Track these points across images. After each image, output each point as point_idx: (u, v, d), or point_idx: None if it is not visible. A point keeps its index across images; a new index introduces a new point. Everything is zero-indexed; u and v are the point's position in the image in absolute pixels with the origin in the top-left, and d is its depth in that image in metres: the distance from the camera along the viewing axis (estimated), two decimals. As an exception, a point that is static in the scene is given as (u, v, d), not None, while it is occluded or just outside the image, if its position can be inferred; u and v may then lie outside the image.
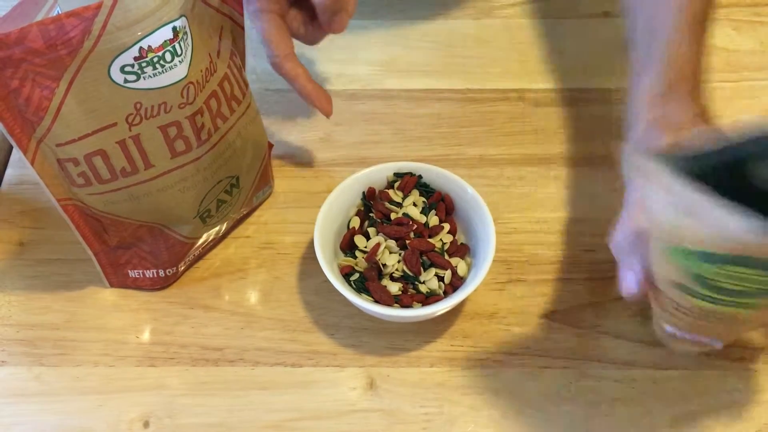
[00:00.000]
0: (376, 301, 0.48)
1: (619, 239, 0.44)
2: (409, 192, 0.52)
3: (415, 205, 0.52)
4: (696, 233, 0.35)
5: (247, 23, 0.51)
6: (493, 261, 0.48)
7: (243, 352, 0.50)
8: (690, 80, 0.45)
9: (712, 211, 0.33)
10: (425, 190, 0.53)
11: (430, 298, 0.49)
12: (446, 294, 0.49)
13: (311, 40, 0.54)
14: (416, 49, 0.67)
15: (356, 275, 0.50)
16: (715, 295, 0.38)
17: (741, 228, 0.32)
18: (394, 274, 0.49)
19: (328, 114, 0.55)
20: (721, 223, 0.33)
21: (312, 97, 0.53)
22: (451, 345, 0.50)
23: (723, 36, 0.66)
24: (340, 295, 0.47)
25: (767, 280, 0.36)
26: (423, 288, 0.49)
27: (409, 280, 0.49)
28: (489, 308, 0.52)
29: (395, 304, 0.48)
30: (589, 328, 0.51)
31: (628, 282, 0.42)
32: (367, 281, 0.49)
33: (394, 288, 0.49)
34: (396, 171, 0.53)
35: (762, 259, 0.34)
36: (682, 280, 0.39)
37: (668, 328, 0.45)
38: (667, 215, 0.36)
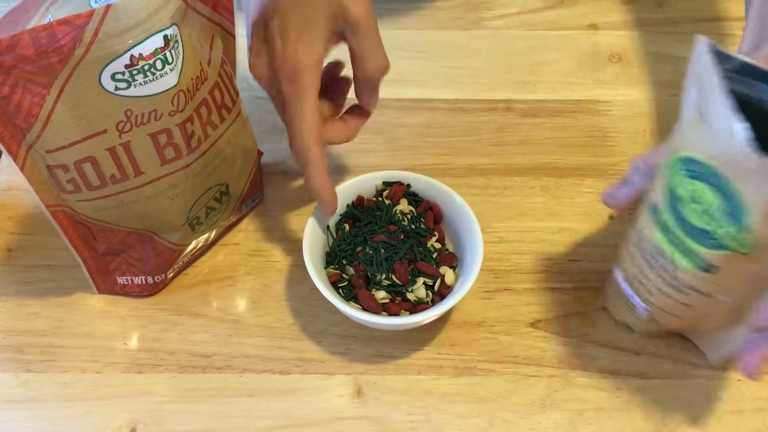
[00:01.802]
0: (365, 309, 0.48)
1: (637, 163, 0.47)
2: (398, 201, 0.53)
3: (403, 213, 0.52)
4: (700, 136, 0.38)
5: (238, 32, 0.51)
6: (481, 270, 0.48)
7: (231, 359, 0.50)
8: None
9: (722, 112, 0.36)
10: (414, 199, 0.53)
11: (417, 306, 0.49)
12: (434, 302, 0.49)
13: (345, 138, 0.52)
14: (407, 59, 0.67)
15: (345, 282, 0.50)
16: (678, 231, 0.41)
17: (738, 136, 0.35)
18: (382, 282, 0.49)
19: (329, 210, 0.51)
20: (725, 125, 0.36)
21: (322, 191, 0.50)
22: (439, 353, 0.51)
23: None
24: (328, 302, 0.48)
25: (727, 228, 0.39)
26: (411, 296, 0.49)
27: (397, 289, 0.49)
28: (476, 317, 0.52)
29: (383, 312, 0.48)
30: (575, 337, 0.51)
31: (620, 192, 0.46)
32: (356, 289, 0.49)
33: (381, 294, 0.49)
34: (385, 180, 0.54)
35: (733, 188, 0.37)
36: (660, 201, 0.42)
37: (638, 302, 0.47)
38: (689, 112, 0.39)
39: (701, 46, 0.39)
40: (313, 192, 0.50)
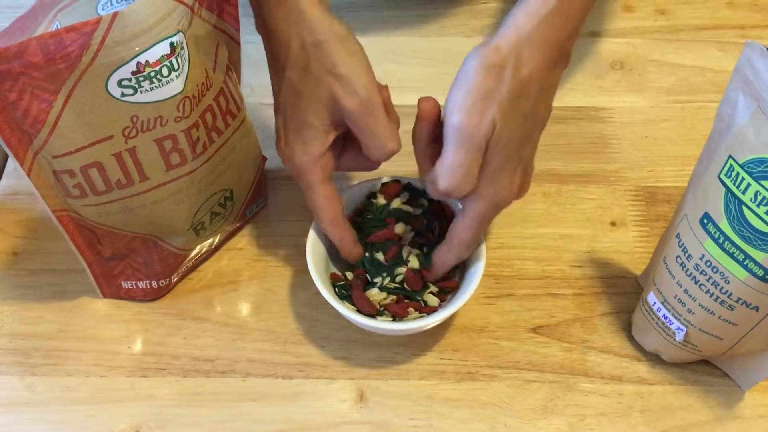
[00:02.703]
0: (358, 311, 0.49)
1: None
2: (394, 198, 0.53)
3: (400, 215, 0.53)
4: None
5: (243, 38, 0.51)
6: (483, 275, 0.49)
7: (234, 363, 0.51)
8: None
9: None
10: (415, 196, 0.53)
11: (425, 308, 0.49)
12: (415, 279, 0.50)
13: (368, 170, 0.52)
14: (409, 66, 0.68)
15: (342, 282, 0.50)
16: (736, 239, 0.41)
17: None
18: (387, 285, 0.50)
19: (350, 261, 0.51)
20: None
21: (349, 258, 0.51)
22: (441, 358, 0.51)
23: (709, 57, 0.68)
24: (331, 307, 0.48)
25: None
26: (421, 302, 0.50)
27: (406, 293, 0.50)
28: (478, 322, 0.53)
29: (385, 313, 0.49)
30: (576, 343, 0.52)
31: None
32: (352, 289, 0.50)
33: (378, 296, 0.49)
34: (383, 183, 0.54)
35: None
36: (714, 211, 0.42)
37: (674, 325, 0.47)
38: (743, 117, 0.40)
39: (754, 50, 0.40)
40: (343, 256, 0.51)
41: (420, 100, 0.46)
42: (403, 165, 0.61)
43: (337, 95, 0.46)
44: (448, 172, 0.43)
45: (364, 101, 0.46)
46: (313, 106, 0.46)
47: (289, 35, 0.46)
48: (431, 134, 0.46)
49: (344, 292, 0.50)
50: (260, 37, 0.49)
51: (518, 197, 0.48)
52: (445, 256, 0.49)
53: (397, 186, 0.53)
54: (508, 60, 0.43)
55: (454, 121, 0.43)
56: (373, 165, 0.51)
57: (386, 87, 0.49)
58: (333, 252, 0.52)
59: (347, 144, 0.50)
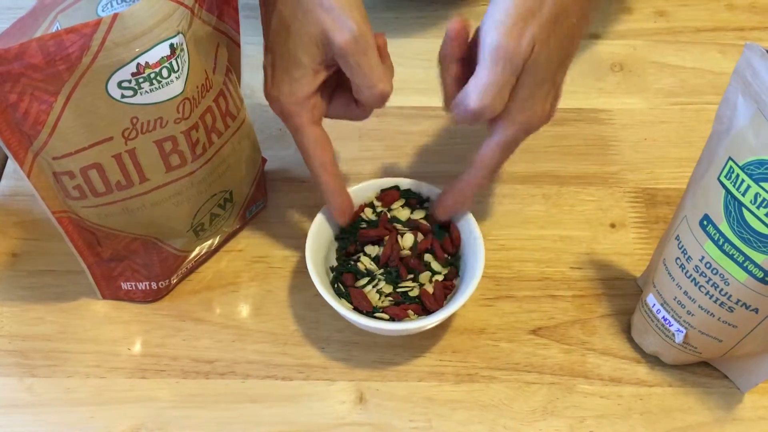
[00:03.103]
0: (355, 308, 0.49)
1: None
2: (390, 205, 0.53)
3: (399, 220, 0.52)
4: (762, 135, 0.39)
5: (243, 40, 0.51)
6: (482, 277, 0.49)
7: (234, 365, 0.51)
8: None
9: None
10: (415, 200, 0.53)
11: (425, 304, 0.49)
12: (437, 298, 0.49)
13: (358, 118, 0.51)
14: (410, 67, 0.68)
15: (333, 274, 0.51)
16: (736, 240, 0.41)
17: None
18: (383, 290, 0.50)
19: (340, 224, 0.51)
20: None
21: (333, 208, 0.50)
22: (440, 360, 0.51)
23: (709, 59, 0.68)
24: (331, 309, 0.48)
25: None
26: (413, 292, 0.49)
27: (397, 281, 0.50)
28: (478, 324, 0.53)
29: (382, 313, 0.49)
30: (576, 345, 0.52)
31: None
32: (349, 287, 0.50)
33: (376, 297, 0.49)
34: (383, 187, 0.54)
35: None
36: (714, 213, 0.42)
37: (674, 327, 0.47)
38: (743, 119, 0.40)
39: (754, 52, 0.40)
40: (329, 206, 0.51)
41: (451, 22, 0.44)
42: (402, 167, 0.61)
43: (327, 29, 0.44)
44: (482, 90, 0.42)
45: (356, 37, 0.44)
46: (303, 42, 0.45)
47: None
48: (459, 55, 0.44)
49: (342, 289, 0.50)
50: (259, 35, 0.49)
51: (545, 122, 0.46)
52: (467, 182, 0.47)
53: (396, 193, 0.53)
54: None
55: (492, 38, 0.42)
56: (363, 113, 0.49)
57: (382, 34, 0.47)
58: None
59: (337, 90, 0.49)
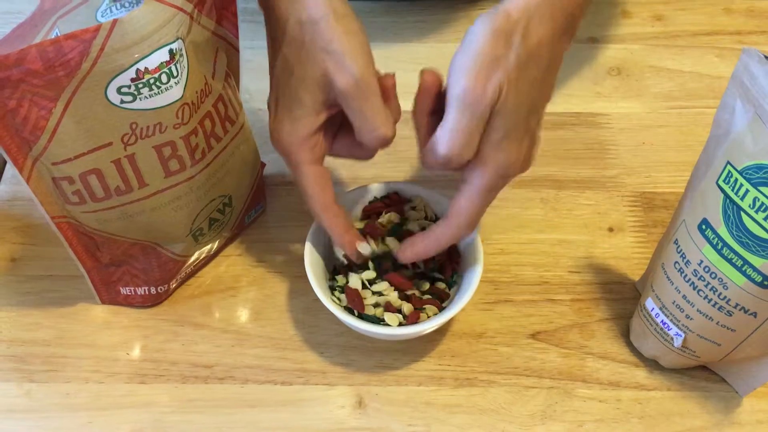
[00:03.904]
0: (346, 308, 0.49)
1: None
2: (381, 238, 0.52)
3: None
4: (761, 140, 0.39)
5: (242, 44, 0.52)
6: (481, 281, 0.49)
7: (233, 369, 0.51)
8: None
9: None
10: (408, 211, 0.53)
11: (434, 286, 0.50)
12: (441, 300, 0.50)
13: (362, 158, 0.50)
14: (408, 72, 0.67)
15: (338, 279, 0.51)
16: (735, 245, 0.41)
17: None
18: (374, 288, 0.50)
19: (351, 257, 0.50)
20: None
21: (343, 247, 0.49)
22: (439, 364, 0.51)
23: (706, 62, 0.68)
24: (330, 313, 0.48)
25: None
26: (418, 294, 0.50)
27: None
28: (477, 328, 0.53)
29: (394, 313, 0.49)
30: (575, 349, 0.52)
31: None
32: (346, 286, 0.50)
33: (389, 316, 0.49)
34: (386, 191, 0.54)
35: None
36: (713, 217, 0.42)
37: (672, 331, 0.47)
38: (741, 123, 0.40)
39: (751, 56, 0.40)
40: (338, 246, 0.50)
41: (422, 72, 0.44)
42: (402, 171, 0.61)
43: (329, 72, 0.44)
44: (449, 136, 0.42)
45: (358, 81, 0.44)
46: (306, 83, 0.45)
47: (288, 12, 0.45)
48: (432, 106, 0.45)
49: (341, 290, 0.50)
50: (258, 38, 0.49)
51: (523, 170, 0.46)
52: (442, 232, 0.47)
53: (381, 205, 0.53)
54: (518, 26, 0.41)
55: (458, 85, 0.42)
56: (367, 154, 0.49)
57: (392, 75, 0.47)
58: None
59: (342, 129, 0.49)
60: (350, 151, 0.49)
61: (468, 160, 0.43)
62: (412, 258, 0.48)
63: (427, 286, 0.51)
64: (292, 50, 0.45)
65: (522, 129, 0.44)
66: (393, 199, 0.53)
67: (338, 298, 0.50)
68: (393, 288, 0.50)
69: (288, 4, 0.45)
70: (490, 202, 0.46)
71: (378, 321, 0.49)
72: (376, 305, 0.49)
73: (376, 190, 0.54)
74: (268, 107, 0.49)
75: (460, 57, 0.42)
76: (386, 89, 0.46)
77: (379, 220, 0.52)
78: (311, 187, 0.48)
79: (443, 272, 0.51)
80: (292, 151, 0.47)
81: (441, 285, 0.51)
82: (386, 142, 0.46)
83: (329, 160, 0.61)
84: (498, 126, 0.43)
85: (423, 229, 0.52)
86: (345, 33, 0.44)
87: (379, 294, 0.50)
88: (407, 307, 0.49)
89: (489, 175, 0.44)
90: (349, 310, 0.49)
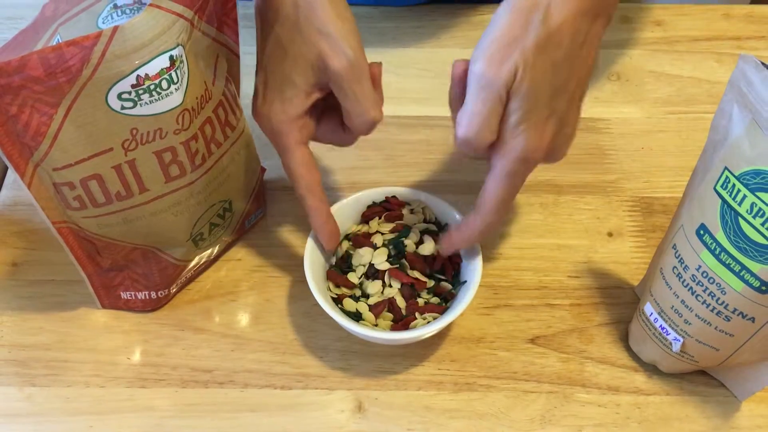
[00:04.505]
0: (346, 312, 0.49)
1: None
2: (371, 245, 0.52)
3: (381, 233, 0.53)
4: (765, 147, 0.39)
5: (242, 50, 0.52)
6: (480, 286, 0.49)
7: (233, 374, 0.51)
8: None
9: None
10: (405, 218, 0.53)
11: (441, 302, 0.50)
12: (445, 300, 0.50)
13: (344, 144, 0.51)
14: (408, 77, 0.68)
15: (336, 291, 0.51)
16: (732, 250, 0.41)
17: None
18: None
19: (327, 248, 0.51)
20: None
21: (319, 233, 0.50)
22: (439, 369, 0.51)
23: (706, 68, 0.68)
24: (330, 318, 0.48)
25: None
26: (421, 300, 0.50)
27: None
28: (476, 332, 0.53)
29: (388, 313, 0.49)
30: (574, 353, 0.52)
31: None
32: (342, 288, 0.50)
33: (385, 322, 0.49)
34: (385, 195, 0.54)
35: None
36: (711, 222, 0.42)
37: (671, 336, 0.47)
38: (738, 129, 0.40)
39: (748, 63, 0.41)
40: (314, 231, 0.51)
41: (454, 62, 0.45)
42: (401, 176, 0.61)
43: (324, 54, 0.44)
44: (466, 119, 0.42)
45: (352, 63, 0.44)
46: (299, 63, 0.46)
47: None
48: (464, 95, 0.44)
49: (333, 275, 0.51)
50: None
51: (551, 156, 0.45)
52: (473, 220, 0.46)
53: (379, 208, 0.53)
54: (539, 6, 0.41)
55: (475, 68, 0.42)
56: (350, 139, 0.50)
57: (379, 64, 0.48)
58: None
59: (325, 114, 0.49)
60: (333, 136, 0.50)
61: (490, 145, 0.43)
62: (450, 250, 0.49)
63: (431, 284, 0.51)
64: (285, 30, 0.46)
65: (543, 112, 0.43)
66: (392, 203, 0.54)
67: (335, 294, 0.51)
68: (400, 283, 0.50)
69: None
70: (516, 189, 0.45)
71: (360, 316, 0.49)
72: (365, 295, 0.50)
73: (374, 194, 0.54)
74: (255, 88, 0.49)
75: (481, 39, 0.43)
76: (374, 76, 0.47)
77: (377, 226, 0.53)
78: (298, 168, 0.48)
79: (445, 274, 0.51)
80: (282, 130, 0.47)
81: (446, 285, 0.51)
82: (373, 126, 0.47)
83: (324, 166, 0.62)
84: (515, 108, 0.42)
85: (423, 232, 0.52)
86: (338, 17, 0.45)
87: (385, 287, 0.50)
88: (403, 305, 0.49)
89: (508, 160, 0.43)
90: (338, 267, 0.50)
